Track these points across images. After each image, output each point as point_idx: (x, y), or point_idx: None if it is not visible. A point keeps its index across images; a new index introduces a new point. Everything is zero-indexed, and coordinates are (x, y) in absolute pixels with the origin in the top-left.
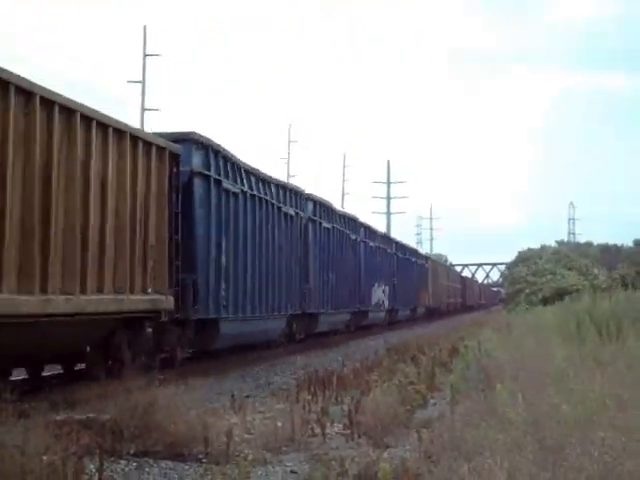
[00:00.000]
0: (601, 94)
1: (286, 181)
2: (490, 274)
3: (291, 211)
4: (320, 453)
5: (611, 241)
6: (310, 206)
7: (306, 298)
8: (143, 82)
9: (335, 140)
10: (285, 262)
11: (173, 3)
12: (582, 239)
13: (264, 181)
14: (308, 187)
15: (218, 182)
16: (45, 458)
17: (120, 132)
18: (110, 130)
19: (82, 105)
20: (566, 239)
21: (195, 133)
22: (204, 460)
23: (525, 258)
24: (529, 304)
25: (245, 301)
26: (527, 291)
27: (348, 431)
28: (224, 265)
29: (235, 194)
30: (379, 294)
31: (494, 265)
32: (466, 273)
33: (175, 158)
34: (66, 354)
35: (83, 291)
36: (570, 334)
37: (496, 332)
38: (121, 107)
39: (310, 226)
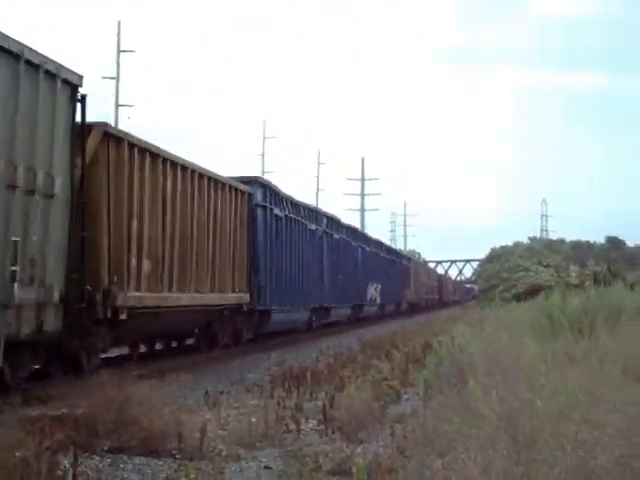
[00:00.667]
0: (577, 93)
1: (311, 203)
2: (463, 271)
3: (312, 226)
4: (294, 449)
5: (583, 238)
6: (324, 221)
7: (322, 295)
8: (117, 78)
9: (310, 137)
10: (309, 267)
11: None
12: (554, 236)
13: (296, 205)
14: (283, 184)
15: (270, 210)
16: (18, 454)
17: (221, 183)
18: (219, 184)
19: (204, 168)
20: (538, 236)
21: (259, 177)
22: (178, 456)
23: (498, 255)
24: (503, 300)
25: (285, 297)
26: (501, 287)
27: (322, 427)
28: (274, 270)
29: (279, 217)
30: (372, 291)
31: (467, 262)
32: (439, 270)
33: (249, 196)
34: (186, 332)
35: (206, 291)
36: (543, 330)
37: (469, 328)
38: (96, 103)
39: (324, 237)
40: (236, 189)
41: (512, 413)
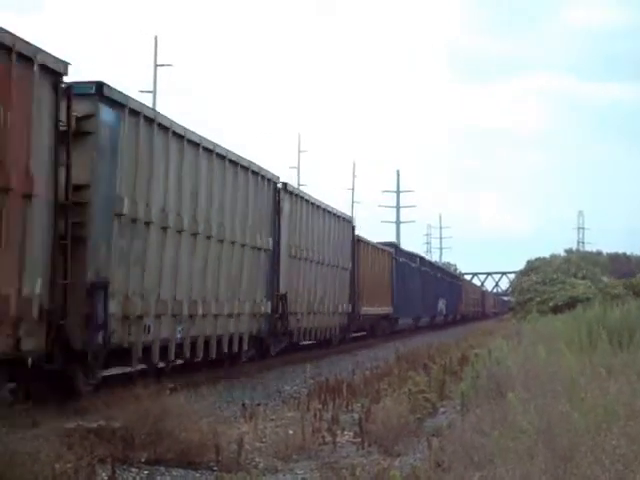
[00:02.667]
0: (614, 103)
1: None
2: (499, 283)
3: (413, 265)
4: (331, 461)
5: (620, 250)
6: (418, 260)
7: (418, 309)
8: (154, 92)
9: (345, 149)
10: (413, 291)
11: (184, 14)
12: (591, 248)
13: (408, 253)
14: (318, 196)
15: (398, 260)
16: (58, 466)
17: (381, 250)
18: (385, 253)
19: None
20: (575, 248)
21: (394, 242)
22: (215, 468)
23: (534, 267)
24: (539, 312)
25: (404, 310)
26: (538, 299)
27: (359, 439)
28: (400, 295)
29: (400, 263)
30: (441, 305)
31: (503, 274)
32: (475, 282)
33: (389, 254)
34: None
35: (380, 305)
36: (581, 343)
37: (506, 340)
38: None
39: (419, 271)
40: (386, 251)
41: (550, 426)
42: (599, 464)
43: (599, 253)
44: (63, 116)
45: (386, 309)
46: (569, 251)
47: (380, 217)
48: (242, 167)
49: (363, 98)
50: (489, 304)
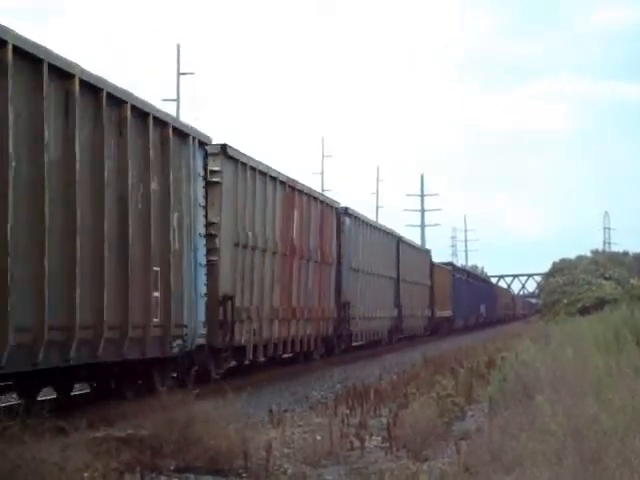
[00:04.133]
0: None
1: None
2: (526, 285)
3: (463, 278)
4: (360, 466)
5: None
6: (466, 273)
7: (465, 313)
8: (178, 100)
9: (368, 154)
10: (463, 299)
11: (205, 21)
12: (618, 249)
13: (461, 269)
14: (343, 201)
15: (457, 276)
16: (86, 475)
17: (446, 270)
18: (448, 271)
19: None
20: (601, 248)
21: (452, 263)
22: (244, 475)
23: (560, 268)
24: (567, 314)
25: (457, 313)
26: (565, 301)
27: (387, 444)
28: (456, 301)
29: (457, 278)
30: (482, 309)
31: (530, 276)
32: (502, 284)
33: (451, 273)
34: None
35: (444, 309)
36: (608, 344)
37: (534, 342)
38: None
39: (466, 282)
40: (446, 269)
41: (578, 428)
42: (627, 465)
43: (625, 253)
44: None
45: (448, 313)
46: (595, 252)
47: (405, 221)
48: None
49: (386, 102)
50: (519, 307)
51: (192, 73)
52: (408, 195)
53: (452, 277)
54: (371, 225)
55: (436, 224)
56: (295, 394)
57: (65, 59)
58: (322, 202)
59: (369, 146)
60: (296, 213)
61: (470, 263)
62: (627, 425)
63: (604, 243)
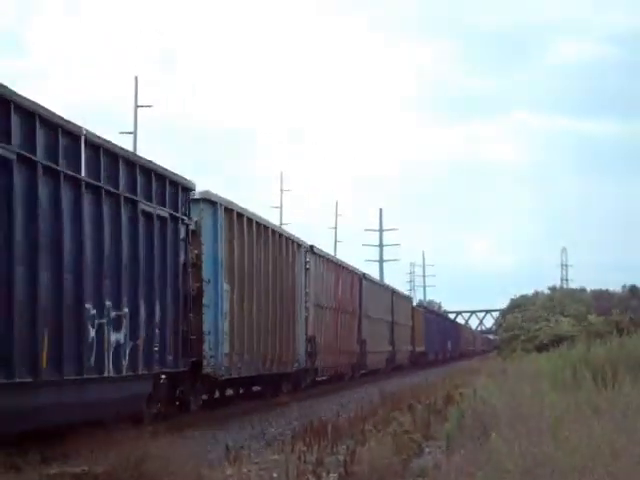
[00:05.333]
0: (592, 140)
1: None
2: (484, 321)
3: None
4: None
5: (603, 287)
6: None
7: (438, 348)
8: (135, 133)
9: (327, 188)
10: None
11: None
12: (575, 285)
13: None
14: (300, 235)
15: None
16: None
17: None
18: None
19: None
20: (559, 285)
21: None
22: None
23: (518, 304)
24: (524, 351)
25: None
26: (522, 338)
27: None
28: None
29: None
30: (449, 345)
31: (487, 312)
32: (459, 320)
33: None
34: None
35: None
36: (566, 381)
37: (491, 378)
38: None
39: (435, 320)
40: (421, 310)
41: (534, 467)
42: None
43: (583, 290)
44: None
45: (422, 348)
46: (553, 288)
47: (364, 256)
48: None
49: (344, 137)
50: (478, 342)
51: (150, 106)
52: (366, 230)
53: (424, 317)
54: (380, 284)
55: (395, 259)
56: (252, 430)
57: None
58: (351, 271)
59: (327, 181)
60: (340, 281)
61: (428, 298)
62: (583, 464)
63: (562, 279)
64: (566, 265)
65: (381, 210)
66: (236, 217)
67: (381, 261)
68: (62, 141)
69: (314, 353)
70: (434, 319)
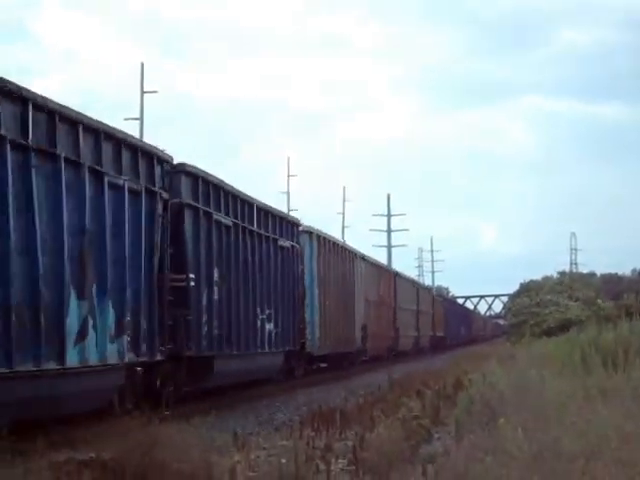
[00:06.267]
0: (602, 124)
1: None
2: (492, 306)
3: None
4: None
5: (612, 271)
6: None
7: (457, 334)
8: (141, 119)
9: (334, 173)
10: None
11: (169, 38)
12: (584, 269)
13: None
14: (308, 221)
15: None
16: None
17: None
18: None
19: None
20: (568, 269)
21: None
22: None
23: (527, 289)
24: (533, 335)
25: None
26: (531, 322)
27: (353, 467)
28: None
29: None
30: (462, 330)
31: (496, 297)
32: (468, 305)
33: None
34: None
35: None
36: (575, 365)
37: (500, 364)
38: None
39: (447, 306)
40: (440, 299)
41: (542, 452)
42: None
43: (592, 274)
44: None
45: (442, 333)
46: (562, 273)
47: (371, 241)
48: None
49: (351, 121)
50: (488, 328)
51: (155, 92)
52: (374, 215)
53: (443, 306)
54: (407, 279)
55: (403, 244)
56: (260, 417)
57: None
58: (387, 270)
59: (335, 166)
60: (381, 280)
61: (436, 283)
62: (590, 449)
63: (571, 264)
64: (575, 249)
65: (389, 195)
66: (323, 241)
67: (389, 246)
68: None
69: (365, 338)
70: (451, 307)
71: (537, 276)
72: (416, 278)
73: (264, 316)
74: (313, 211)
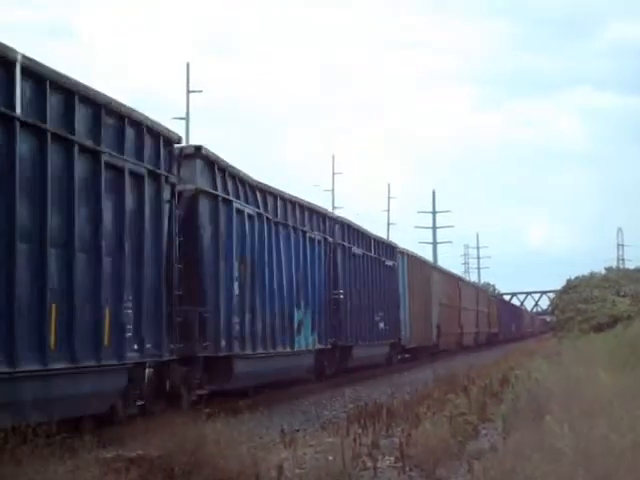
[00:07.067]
0: None
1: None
2: (539, 302)
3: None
4: None
5: None
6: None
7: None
8: (187, 118)
9: (379, 170)
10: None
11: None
12: (631, 265)
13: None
14: (353, 218)
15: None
16: None
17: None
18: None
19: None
20: (615, 265)
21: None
22: None
23: (574, 285)
24: (581, 331)
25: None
26: (579, 318)
27: (399, 464)
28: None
29: None
30: (513, 327)
31: (543, 293)
32: (515, 302)
33: None
34: None
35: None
36: (622, 362)
37: (547, 360)
38: None
39: (500, 305)
40: (495, 300)
41: (589, 448)
42: None
43: (639, 270)
44: None
45: (496, 330)
46: (609, 269)
47: (417, 238)
48: (450, 274)
49: (396, 117)
50: (536, 324)
51: (201, 91)
52: (419, 212)
53: (497, 305)
54: (468, 283)
55: (448, 241)
56: (307, 413)
57: None
58: (453, 276)
59: (379, 163)
60: (448, 285)
61: (482, 280)
62: (637, 444)
63: (618, 260)
64: (622, 245)
65: (434, 192)
66: (410, 258)
67: (435, 243)
68: None
69: (439, 335)
70: (503, 306)
71: (584, 272)
72: (462, 275)
73: (378, 317)
74: (357, 208)
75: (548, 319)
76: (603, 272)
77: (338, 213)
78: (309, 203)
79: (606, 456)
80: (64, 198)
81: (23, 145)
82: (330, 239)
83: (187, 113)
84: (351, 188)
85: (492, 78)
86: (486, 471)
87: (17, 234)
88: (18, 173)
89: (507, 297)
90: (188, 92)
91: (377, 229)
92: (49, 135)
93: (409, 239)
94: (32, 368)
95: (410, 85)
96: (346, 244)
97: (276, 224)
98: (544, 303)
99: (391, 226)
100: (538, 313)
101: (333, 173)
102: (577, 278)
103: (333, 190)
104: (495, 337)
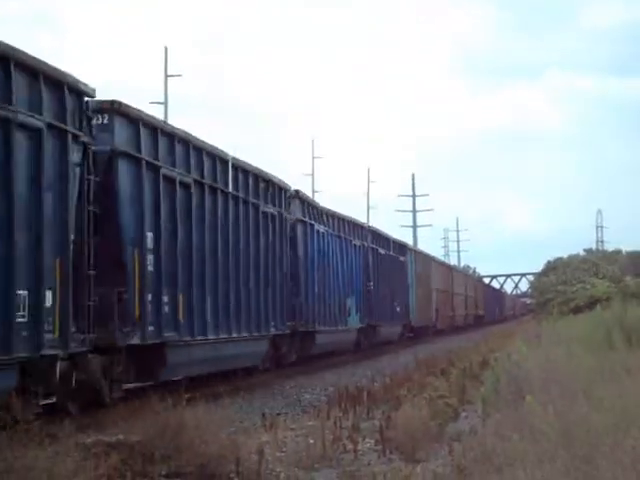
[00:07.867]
0: (636, 100)
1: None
2: (519, 285)
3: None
4: (352, 469)
5: (638, 248)
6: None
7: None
8: (165, 103)
9: (359, 155)
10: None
11: (193, 23)
12: (610, 247)
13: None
14: (332, 203)
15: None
16: None
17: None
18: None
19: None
20: (594, 247)
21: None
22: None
23: (553, 267)
24: (559, 313)
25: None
26: (558, 300)
27: (380, 446)
28: None
29: None
30: (496, 310)
31: (522, 275)
32: (494, 284)
33: None
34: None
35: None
36: (600, 343)
37: (526, 342)
38: None
39: (485, 289)
40: (481, 284)
41: (569, 428)
42: (619, 464)
43: (618, 251)
44: None
45: (482, 312)
46: (588, 250)
47: (397, 222)
48: (451, 268)
49: (376, 102)
50: (517, 307)
51: (179, 75)
52: (399, 196)
53: (483, 290)
54: (459, 270)
55: (428, 224)
56: (288, 397)
57: None
58: (447, 266)
59: (359, 147)
60: (444, 274)
61: (462, 263)
62: (617, 424)
63: (597, 241)
64: (601, 227)
65: (414, 175)
66: (416, 253)
67: (415, 227)
68: None
69: (437, 317)
70: (488, 291)
71: (563, 254)
72: (442, 258)
73: (396, 303)
74: (337, 191)
75: (528, 301)
76: (582, 254)
77: (317, 197)
78: (351, 218)
79: (587, 436)
80: None
81: None
82: (365, 244)
83: (165, 98)
84: (331, 171)
85: (468, 62)
86: (466, 452)
87: None
88: None
89: (487, 280)
90: (166, 76)
91: (357, 213)
92: None
93: (389, 222)
94: None
95: (391, 71)
96: (375, 247)
97: (331, 235)
98: (524, 286)
99: (371, 210)
100: (518, 295)
101: (313, 157)
102: (556, 260)
103: (313, 174)
104: (481, 319)
